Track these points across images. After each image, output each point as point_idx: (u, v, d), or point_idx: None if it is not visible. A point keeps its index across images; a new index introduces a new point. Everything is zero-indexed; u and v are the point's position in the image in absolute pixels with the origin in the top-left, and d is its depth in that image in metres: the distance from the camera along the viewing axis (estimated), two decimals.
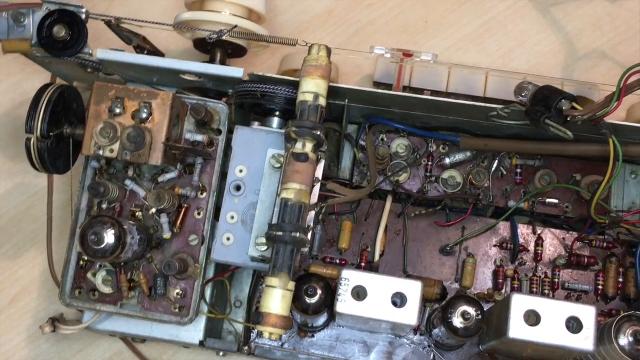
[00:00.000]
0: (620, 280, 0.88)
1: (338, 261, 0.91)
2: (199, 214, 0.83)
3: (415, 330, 0.88)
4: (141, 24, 0.83)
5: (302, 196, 0.65)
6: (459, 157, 0.91)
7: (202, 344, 0.87)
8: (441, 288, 0.87)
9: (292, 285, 0.64)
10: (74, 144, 0.83)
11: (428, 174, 0.91)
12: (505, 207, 0.90)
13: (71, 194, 0.87)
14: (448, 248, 0.90)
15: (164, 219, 0.80)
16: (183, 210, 0.82)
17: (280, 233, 0.64)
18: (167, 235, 0.81)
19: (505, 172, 0.91)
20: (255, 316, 0.63)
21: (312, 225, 0.67)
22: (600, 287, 0.88)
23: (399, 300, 0.74)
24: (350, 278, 0.75)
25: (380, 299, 0.74)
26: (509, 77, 0.93)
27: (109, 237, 0.73)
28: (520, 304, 0.73)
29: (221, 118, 0.83)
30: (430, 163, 0.91)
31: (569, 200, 0.90)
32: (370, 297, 0.74)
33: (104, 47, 0.83)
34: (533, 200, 0.90)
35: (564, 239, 0.91)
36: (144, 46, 0.90)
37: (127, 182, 0.81)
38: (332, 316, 0.86)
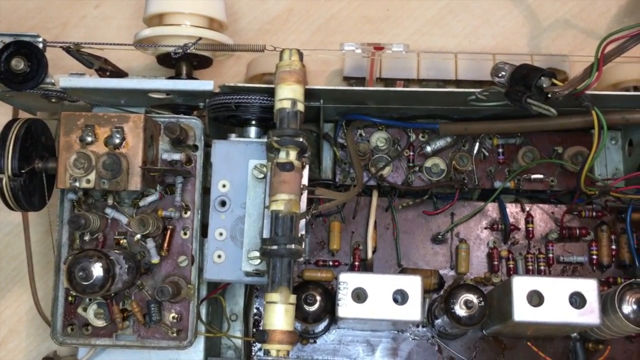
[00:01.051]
0: (614, 247, 0.88)
1: (331, 263, 0.89)
2: (185, 233, 0.80)
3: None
4: (101, 46, 0.80)
5: (292, 206, 0.64)
6: (440, 143, 0.90)
7: None
8: (438, 277, 0.87)
9: (293, 298, 0.63)
10: (47, 178, 0.80)
11: (411, 164, 0.90)
12: (491, 188, 0.90)
13: (50, 228, 0.84)
14: (439, 236, 0.89)
15: (150, 244, 0.78)
16: (168, 232, 0.80)
17: (275, 247, 0.62)
18: (155, 260, 0.78)
19: (487, 154, 0.90)
20: (260, 335, 0.61)
21: (304, 234, 0.66)
22: (594, 257, 0.88)
23: (400, 297, 0.73)
24: (349, 281, 0.73)
25: (381, 298, 0.73)
26: (478, 56, 0.93)
27: (97, 270, 0.71)
28: (522, 285, 0.73)
29: (196, 133, 0.81)
30: (411, 153, 0.90)
31: (553, 174, 0.90)
32: (370, 297, 0.73)
33: (63, 74, 0.80)
34: (518, 178, 0.89)
35: (552, 213, 0.90)
36: (105, 68, 0.87)
37: (108, 210, 0.79)
38: (332, 320, 0.85)
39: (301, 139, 0.65)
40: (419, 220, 0.91)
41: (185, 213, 0.80)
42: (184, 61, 0.88)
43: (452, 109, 0.86)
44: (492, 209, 0.91)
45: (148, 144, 0.77)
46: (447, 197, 0.91)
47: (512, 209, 0.91)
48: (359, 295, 0.73)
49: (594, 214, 0.89)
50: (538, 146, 0.89)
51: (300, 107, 0.67)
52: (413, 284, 0.73)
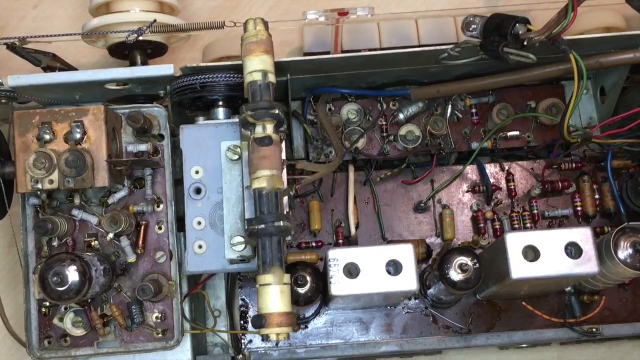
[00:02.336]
0: (597, 197, 0.87)
1: (314, 244, 0.86)
2: (160, 228, 0.76)
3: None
4: (48, 39, 0.75)
5: (276, 182, 0.60)
6: (412, 110, 0.87)
7: None
8: (425, 247, 0.84)
9: (287, 278, 0.59)
10: (5, 184, 0.74)
11: (385, 135, 0.87)
12: (468, 150, 0.88)
13: (14, 239, 0.78)
14: (422, 204, 0.87)
15: (125, 242, 0.74)
16: (142, 228, 0.75)
17: (263, 226, 0.59)
18: (131, 259, 0.74)
19: (461, 116, 0.88)
20: (257, 320, 0.58)
21: (289, 211, 0.62)
22: (579, 209, 0.87)
23: (393, 268, 0.70)
24: (339, 257, 0.70)
25: (374, 271, 0.70)
26: (438, 19, 0.90)
27: (72, 274, 0.66)
28: (516, 242, 0.71)
29: (160, 122, 0.77)
30: (384, 123, 0.87)
31: (529, 129, 0.88)
32: (363, 272, 0.70)
33: (9, 74, 0.75)
34: (495, 138, 0.87)
35: (532, 169, 0.89)
36: (54, 65, 0.82)
37: (75, 212, 0.74)
38: (323, 302, 0.82)
39: (277, 111, 0.62)
40: (399, 191, 0.88)
41: (158, 207, 0.76)
42: (137, 50, 0.84)
43: (422, 73, 0.83)
44: (471, 171, 0.89)
45: (111, 136, 0.72)
46: (425, 165, 0.89)
47: (491, 169, 0.89)
48: (351, 271, 0.70)
49: (574, 165, 0.88)
50: (511, 103, 0.87)
51: (272, 78, 0.64)
52: (406, 253, 0.70)
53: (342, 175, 0.88)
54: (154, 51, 0.86)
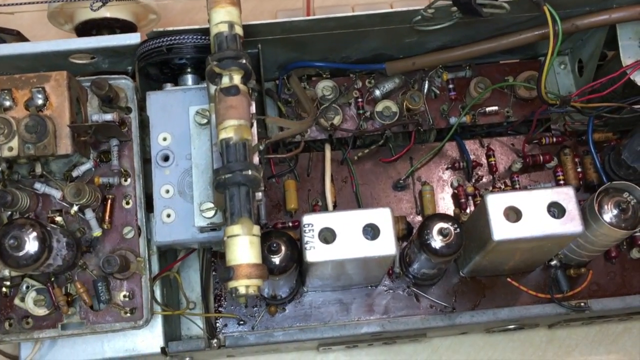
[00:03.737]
0: (579, 170, 0.85)
1: (290, 224, 0.83)
2: (127, 203, 0.73)
3: (390, 274, 0.81)
4: (10, 8, 0.73)
5: (243, 132, 0.57)
6: (388, 86, 0.85)
7: (164, 350, 0.77)
8: (405, 223, 0.81)
9: (256, 229, 0.56)
10: None
11: (361, 112, 0.85)
12: (446, 127, 0.86)
13: None
14: (401, 181, 0.84)
15: (89, 215, 0.70)
16: (109, 202, 0.72)
17: (230, 175, 0.56)
18: (97, 232, 0.70)
19: (438, 92, 0.86)
20: (224, 272, 0.54)
21: (261, 167, 0.59)
22: (561, 182, 0.85)
23: (371, 232, 0.67)
24: (314, 222, 0.67)
25: (351, 236, 0.67)
26: (375, 4, 0.89)
27: (31, 240, 0.62)
28: (496, 203, 0.68)
29: (127, 94, 0.74)
30: (360, 99, 0.85)
31: (507, 104, 0.86)
32: (339, 236, 0.67)
33: None
34: (473, 113, 0.86)
35: (512, 144, 0.87)
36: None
37: (37, 185, 0.71)
38: (300, 282, 0.79)
39: (244, 61, 0.59)
40: (377, 170, 0.86)
41: (125, 180, 0.73)
42: (105, 29, 0.82)
43: (397, 46, 0.82)
44: (451, 148, 0.87)
45: (75, 108, 0.69)
46: (404, 145, 0.86)
47: (470, 145, 0.87)
48: (327, 237, 0.67)
49: (554, 140, 0.86)
50: (489, 79, 0.86)
51: (239, 30, 0.62)
52: (383, 217, 0.68)
53: (318, 155, 0.85)
54: (122, 30, 0.84)
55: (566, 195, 0.68)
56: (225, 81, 0.59)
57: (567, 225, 0.67)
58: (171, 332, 0.79)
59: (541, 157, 0.85)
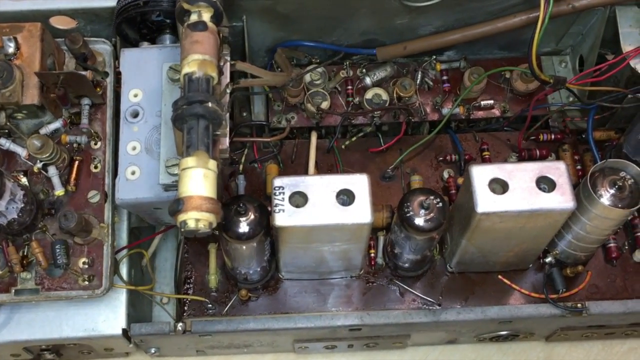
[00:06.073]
0: (578, 167, 0.80)
1: (270, 209, 0.79)
2: (95, 167, 0.70)
3: (372, 264, 0.76)
4: None
5: (207, 67, 0.54)
6: (380, 74, 0.82)
7: (126, 333, 0.72)
8: (390, 211, 0.76)
9: (212, 164, 0.52)
10: None
11: (350, 99, 0.82)
12: (439, 119, 0.82)
13: None
14: (389, 171, 0.80)
15: (52, 171, 0.67)
16: (76, 163, 0.69)
17: (188, 106, 0.52)
18: (59, 190, 0.67)
19: (431, 84, 0.83)
20: (173, 205, 0.50)
21: (227, 107, 0.56)
22: None
23: (345, 198, 0.63)
24: (285, 185, 0.63)
25: (324, 201, 0.63)
26: None
27: None
28: (482, 174, 0.64)
29: (105, 59, 0.72)
30: (350, 87, 0.82)
31: (504, 98, 0.83)
32: (311, 201, 0.63)
33: None
34: (467, 106, 0.82)
35: (508, 140, 0.83)
36: None
37: (2, 140, 0.68)
38: (275, 267, 0.74)
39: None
40: (364, 161, 0.82)
41: (96, 144, 0.70)
42: None
43: (388, 31, 0.79)
44: (443, 141, 0.83)
45: (49, 64, 0.67)
46: (394, 135, 0.83)
47: (464, 140, 0.83)
48: (298, 201, 0.63)
49: (553, 137, 0.82)
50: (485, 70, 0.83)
51: None
52: (359, 183, 0.63)
53: (304, 143, 0.82)
54: None
55: (557, 170, 0.64)
56: (194, 18, 0.57)
57: (557, 200, 0.62)
58: (138, 317, 0.75)
59: (537, 152, 0.80)
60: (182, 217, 0.50)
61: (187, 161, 0.51)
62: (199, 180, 0.51)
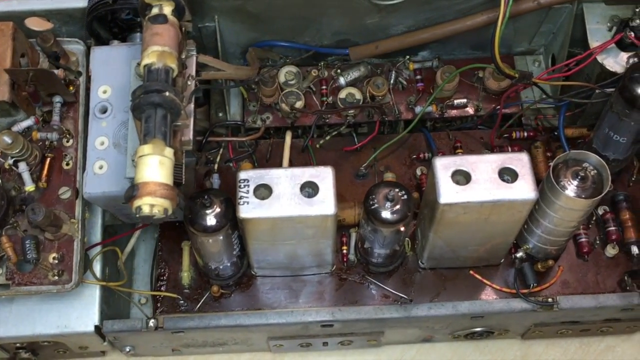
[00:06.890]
0: (550, 164, 0.80)
1: None
2: (67, 164, 0.71)
3: (344, 260, 0.77)
4: None
5: (167, 58, 0.55)
6: (354, 74, 0.83)
7: (98, 330, 0.72)
8: (362, 208, 0.77)
9: (169, 152, 0.53)
10: None
11: (325, 99, 0.83)
12: (413, 118, 0.83)
13: None
14: (362, 169, 0.81)
15: (23, 167, 0.68)
16: (47, 160, 0.70)
17: (146, 95, 0.53)
18: (29, 186, 0.68)
19: (405, 84, 0.84)
20: (128, 191, 0.51)
21: (188, 99, 0.57)
22: None
23: (310, 190, 0.64)
24: (250, 177, 0.64)
25: (288, 193, 0.63)
26: None
27: None
28: (445, 165, 0.64)
29: (79, 59, 0.74)
30: (324, 87, 0.83)
31: (477, 97, 0.84)
32: (276, 193, 0.63)
33: None
34: (441, 105, 0.83)
35: (482, 138, 0.83)
36: None
37: None
38: (247, 263, 0.74)
39: None
40: (339, 160, 0.83)
41: (68, 141, 0.71)
42: None
43: (360, 31, 0.80)
44: (417, 140, 0.83)
45: (22, 63, 0.68)
46: (368, 134, 0.84)
47: (438, 138, 0.83)
48: (263, 193, 0.64)
49: (525, 134, 0.82)
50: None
51: None
52: (324, 175, 0.64)
53: (279, 143, 0.83)
54: None
55: (520, 161, 0.64)
56: (155, 11, 0.58)
57: (519, 190, 0.63)
58: (113, 316, 0.75)
59: (510, 149, 0.81)
60: (137, 202, 0.50)
61: (144, 149, 0.52)
62: (154, 167, 0.51)
